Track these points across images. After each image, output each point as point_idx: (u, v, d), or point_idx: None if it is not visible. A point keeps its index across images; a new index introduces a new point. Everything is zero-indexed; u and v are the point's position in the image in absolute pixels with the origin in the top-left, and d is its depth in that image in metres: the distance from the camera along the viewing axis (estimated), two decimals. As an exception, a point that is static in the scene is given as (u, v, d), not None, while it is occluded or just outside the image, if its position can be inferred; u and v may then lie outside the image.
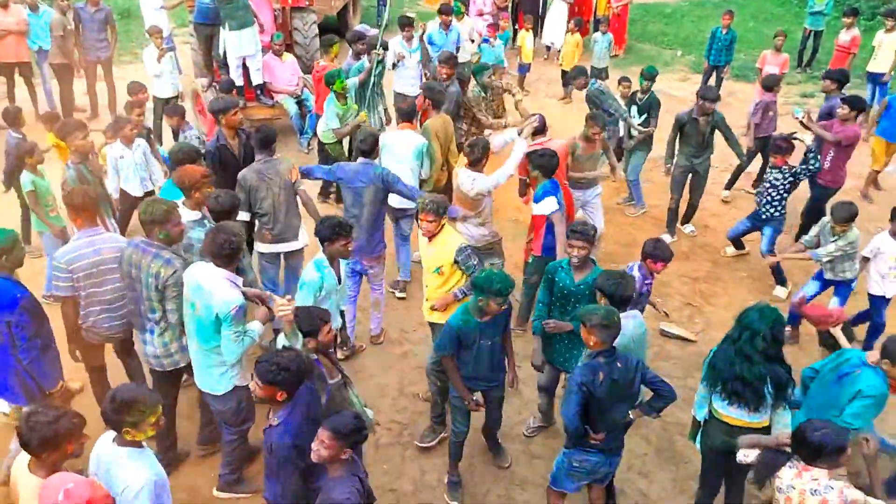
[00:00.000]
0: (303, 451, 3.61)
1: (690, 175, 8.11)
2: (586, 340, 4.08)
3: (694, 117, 7.79)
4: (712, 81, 11.78)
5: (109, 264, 4.75)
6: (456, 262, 5.17)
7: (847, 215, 6.09)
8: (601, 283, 4.56)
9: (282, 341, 4.26)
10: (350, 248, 5.04)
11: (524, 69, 12.69)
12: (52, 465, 3.31)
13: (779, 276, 7.44)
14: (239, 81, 9.62)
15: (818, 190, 7.80)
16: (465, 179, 6.24)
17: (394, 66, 9.55)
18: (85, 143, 6.14)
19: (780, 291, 7.44)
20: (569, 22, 12.73)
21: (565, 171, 6.94)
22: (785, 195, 7.19)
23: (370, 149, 6.17)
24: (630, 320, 4.54)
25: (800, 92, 12.64)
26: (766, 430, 4.23)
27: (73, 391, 5.43)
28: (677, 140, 8.11)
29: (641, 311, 5.09)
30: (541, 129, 7.01)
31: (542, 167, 6.09)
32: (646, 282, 5.28)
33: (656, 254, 5.19)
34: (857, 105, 7.61)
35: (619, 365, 4.08)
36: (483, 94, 8.19)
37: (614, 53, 13.31)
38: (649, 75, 8.66)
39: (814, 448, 3.50)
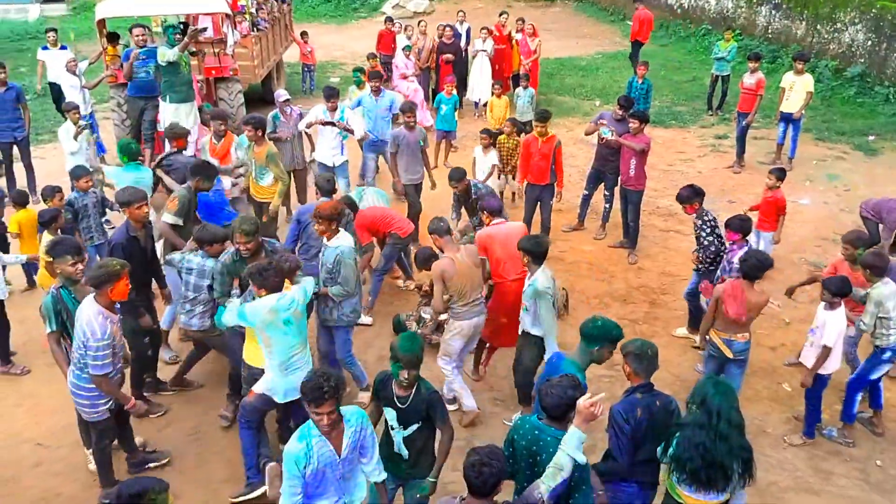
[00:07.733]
0: None
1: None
2: (624, 371, 4.26)
3: None
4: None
5: None
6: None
7: None
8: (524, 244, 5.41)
9: None
10: None
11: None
12: None
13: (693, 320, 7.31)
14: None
15: (634, 195, 8.82)
16: None
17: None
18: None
19: (681, 331, 7.49)
20: (493, 83, 12.91)
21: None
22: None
23: (331, 189, 7.00)
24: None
25: (714, 134, 13.25)
26: None
27: None
28: None
29: None
30: (497, 210, 6.58)
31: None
32: None
33: None
34: (644, 117, 8.68)
35: (657, 403, 4.11)
36: None
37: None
38: None
39: None
